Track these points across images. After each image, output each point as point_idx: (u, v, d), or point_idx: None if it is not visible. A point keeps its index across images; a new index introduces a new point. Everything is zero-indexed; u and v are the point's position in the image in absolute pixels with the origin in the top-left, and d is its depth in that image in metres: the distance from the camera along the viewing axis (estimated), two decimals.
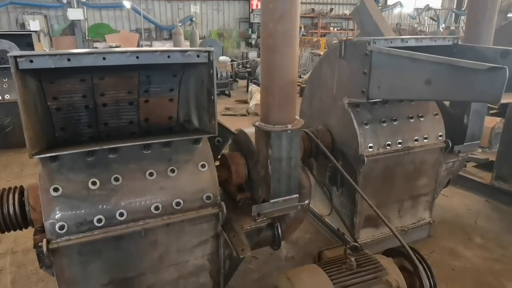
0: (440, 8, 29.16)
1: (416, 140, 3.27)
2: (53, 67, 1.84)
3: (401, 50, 2.47)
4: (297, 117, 2.65)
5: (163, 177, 2.21)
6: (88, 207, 2.05)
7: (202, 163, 2.30)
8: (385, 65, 2.68)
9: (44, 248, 1.93)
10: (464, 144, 3.73)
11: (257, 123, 2.54)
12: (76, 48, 17.89)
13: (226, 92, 12.11)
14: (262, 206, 2.59)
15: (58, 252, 2.02)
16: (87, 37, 18.63)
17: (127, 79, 2.62)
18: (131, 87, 2.66)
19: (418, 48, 3.08)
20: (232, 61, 12.06)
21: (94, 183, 2.08)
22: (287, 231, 3.08)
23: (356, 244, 2.39)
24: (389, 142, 3.16)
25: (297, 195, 2.73)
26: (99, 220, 2.06)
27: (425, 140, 3.32)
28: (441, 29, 24.59)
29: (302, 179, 2.99)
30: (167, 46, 18.93)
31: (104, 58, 1.91)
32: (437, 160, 3.45)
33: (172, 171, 2.23)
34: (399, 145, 3.20)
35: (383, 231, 3.46)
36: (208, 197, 2.28)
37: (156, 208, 2.17)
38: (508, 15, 22.63)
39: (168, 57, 2.02)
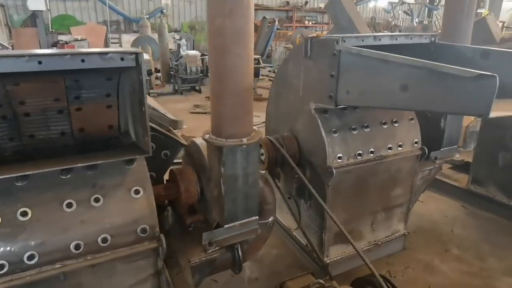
0: (414, 2, 29.34)
1: (390, 148, 2.96)
2: None
3: (373, 51, 2.12)
4: (256, 127, 2.28)
5: (85, 207, 1.79)
6: None
7: (135, 188, 1.89)
8: (355, 67, 2.34)
9: None
10: (441, 150, 3.47)
11: (206, 136, 2.15)
12: (39, 41, 16.89)
13: (197, 88, 11.63)
14: (215, 232, 2.22)
15: None
16: (50, 29, 17.59)
17: (49, 84, 2.18)
18: (57, 93, 2.22)
19: (392, 47, 2.76)
20: (202, 55, 11.54)
21: None
22: (249, 253, 2.72)
23: (321, 281, 2.05)
24: (360, 152, 2.83)
25: (257, 217, 2.37)
26: (1, 267, 1.64)
27: (400, 148, 3.02)
28: (415, 24, 24.71)
29: (265, 193, 2.64)
30: None
31: None
32: (413, 168, 3.17)
33: (97, 200, 1.81)
34: (371, 154, 2.88)
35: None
36: (144, 230, 1.88)
37: (77, 246, 1.76)
38: (478, 11, 22.90)
39: (83, 61, 1.60)
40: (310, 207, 3.13)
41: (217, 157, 2.12)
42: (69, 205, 1.78)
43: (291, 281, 2.42)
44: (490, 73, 1.56)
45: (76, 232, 1.77)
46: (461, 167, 5.10)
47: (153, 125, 2.39)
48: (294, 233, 3.54)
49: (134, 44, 10.71)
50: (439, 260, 3.43)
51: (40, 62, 1.52)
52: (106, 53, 1.64)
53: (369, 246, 3.23)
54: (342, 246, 3.12)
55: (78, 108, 2.29)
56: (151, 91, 10.66)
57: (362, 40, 2.58)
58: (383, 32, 18.90)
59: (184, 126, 7.36)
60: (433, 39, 2.95)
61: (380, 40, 2.66)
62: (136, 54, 1.68)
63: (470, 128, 6.16)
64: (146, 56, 10.49)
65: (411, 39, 2.84)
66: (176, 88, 11.39)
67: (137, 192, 1.90)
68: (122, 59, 1.67)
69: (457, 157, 3.82)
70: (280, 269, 3.28)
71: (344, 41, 2.47)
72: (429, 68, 1.79)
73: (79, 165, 1.75)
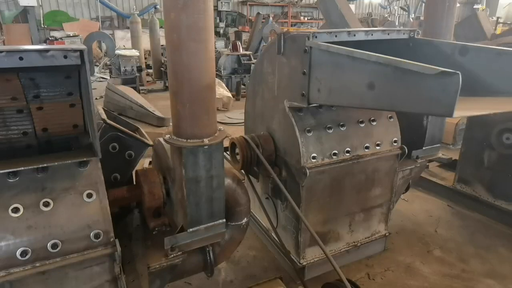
0: None
1: (367, 147, 2.88)
2: None
3: (340, 47, 2.03)
4: (221, 127, 2.19)
5: (33, 212, 1.71)
6: None
7: (88, 191, 1.81)
8: (325, 64, 2.25)
9: None
10: (423, 148, 3.39)
11: (167, 137, 2.06)
12: (31, 37, 16.74)
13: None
14: (178, 237, 2.13)
15: None
16: (42, 25, 17.42)
17: (3, 82, 2.09)
18: (14, 92, 2.13)
19: (369, 43, 2.67)
20: None
21: None
22: (221, 255, 2.65)
23: None
24: (335, 151, 2.75)
25: (223, 220, 2.29)
26: None
27: (378, 147, 2.93)
28: (411, 19, 24.54)
29: (237, 195, 2.56)
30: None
31: None
32: (392, 168, 3.08)
33: (46, 204, 1.73)
34: (347, 154, 2.80)
35: (332, 248, 3.08)
36: (97, 235, 1.80)
37: (24, 253, 1.67)
38: (475, 6, 22.80)
39: (21, 58, 1.51)
40: (286, 208, 3.05)
41: (178, 158, 2.04)
42: (16, 210, 1.69)
43: (258, 286, 2.34)
44: (453, 70, 1.47)
45: (22, 238, 1.68)
46: (449, 165, 5.02)
47: (115, 125, 2.31)
48: (273, 234, 3.45)
49: (87, 40, 10.23)
50: (420, 261, 3.35)
51: None
52: (47, 50, 1.54)
53: (347, 248, 3.16)
54: (319, 248, 3.03)
55: (39, 107, 2.20)
56: (141, 88, 10.54)
57: (336, 36, 2.49)
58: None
59: (171, 124, 7.29)
60: (412, 34, 2.86)
61: (354, 35, 2.57)
62: (81, 51, 1.59)
63: (459, 125, 6.10)
64: (136, 53, 10.37)
65: (388, 34, 2.74)
66: (167, 84, 11.26)
67: (89, 195, 1.81)
68: (65, 57, 1.58)
69: (442, 155, 3.73)
70: (256, 272, 3.20)
71: (316, 37, 2.38)
72: (394, 65, 1.70)
73: (22, 168, 1.65)
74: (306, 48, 2.35)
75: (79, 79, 2.18)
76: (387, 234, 3.38)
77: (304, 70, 2.41)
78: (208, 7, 1.80)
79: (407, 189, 3.67)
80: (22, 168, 1.65)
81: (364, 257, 3.34)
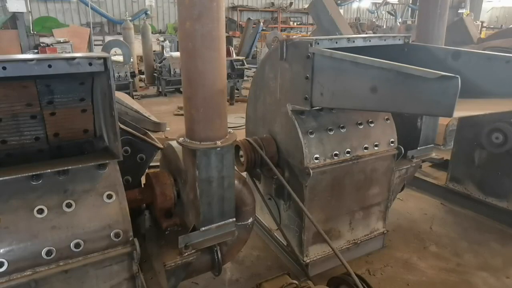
0: (397, 3, 29.74)
1: (366, 148, 3.01)
2: None
3: (344, 53, 2.16)
4: (230, 130, 2.29)
5: (56, 213, 1.78)
6: None
7: (108, 193, 1.89)
8: (328, 69, 2.37)
9: None
10: (418, 148, 3.54)
11: (181, 139, 2.16)
12: (20, 43, 16.60)
13: (181, 89, 11.55)
14: (191, 236, 2.22)
15: None
16: (32, 31, 17.30)
17: (19, 89, 2.16)
18: (29, 98, 2.21)
19: (366, 48, 2.81)
20: None
21: None
22: (228, 254, 2.74)
23: (295, 282, 2.08)
24: (336, 152, 2.87)
25: (234, 219, 2.39)
26: None
27: (376, 148, 3.06)
28: (398, 24, 25.06)
29: (243, 195, 2.65)
30: None
31: None
32: (389, 168, 3.22)
33: (69, 205, 1.81)
34: (348, 155, 2.92)
35: (335, 245, 3.18)
36: (117, 234, 1.88)
37: (49, 253, 1.75)
38: (460, 11, 23.40)
39: (49, 66, 1.59)
40: (289, 207, 3.15)
41: (191, 160, 2.13)
42: (40, 211, 1.76)
43: (267, 282, 2.44)
44: (452, 74, 1.60)
45: (47, 238, 1.75)
46: (441, 165, 5.20)
47: (128, 129, 2.39)
48: (275, 234, 3.56)
49: (105, 48, 10.37)
50: (417, 257, 3.48)
51: (4, 68, 1.51)
52: (73, 58, 1.63)
53: (348, 245, 3.27)
54: (321, 245, 3.15)
55: (52, 113, 2.29)
56: (135, 93, 10.57)
57: (336, 42, 2.62)
58: (367, 32, 19.13)
59: (167, 129, 7.34)
60: (406, 40, 3.01)
61: (353, 42, 2.70)
62: (105, 59, 1.68)
63: (449, 126, 6.29)
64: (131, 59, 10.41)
65: (384, 40, 2.89)
66: (160, 90, 11.33)
67: (109, 196, 1.89)
68: (90, 64, 1.67)
69: (435, 155, 3.89)
70: (260, 271, 3.29)
71: (318, 44, 2.51)
72: (396, 69, 1.83)
73: (49, 170, 1.73)
74: (309, 54, 2.47)
75: (92, 85, 2.27)
76: (385, 232, 3.51)
77: (307, 75, 2.52)
78: (221, 16, 1.91)
79: (402, 189, 3.82)
80: (49, 171, 1.72)
81: (364, 254, 3.46)
